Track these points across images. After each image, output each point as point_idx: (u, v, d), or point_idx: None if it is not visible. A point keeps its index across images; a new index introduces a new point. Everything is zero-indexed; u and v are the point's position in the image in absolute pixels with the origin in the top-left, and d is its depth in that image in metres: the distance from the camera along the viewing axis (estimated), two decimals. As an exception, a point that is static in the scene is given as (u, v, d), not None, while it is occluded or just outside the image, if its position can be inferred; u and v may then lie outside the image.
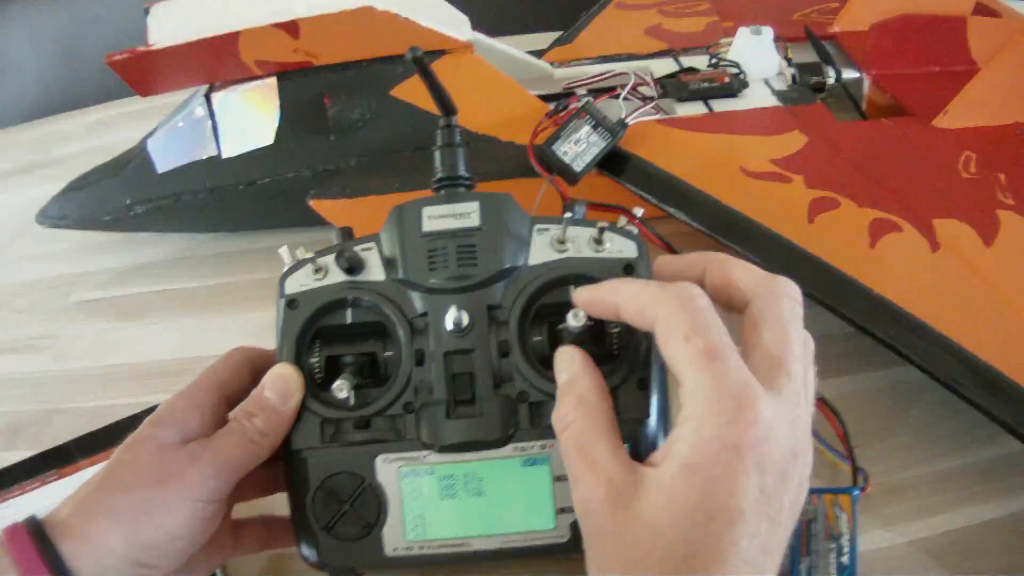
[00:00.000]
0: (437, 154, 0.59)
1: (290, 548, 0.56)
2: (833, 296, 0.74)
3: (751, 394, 0.42)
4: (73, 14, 2.02)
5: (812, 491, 0.66)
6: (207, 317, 0.94)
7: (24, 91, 2.01)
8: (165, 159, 0.93)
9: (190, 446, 0.51)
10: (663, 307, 0.45)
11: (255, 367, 0.56)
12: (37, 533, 0.47)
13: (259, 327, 0.89)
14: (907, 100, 1.00)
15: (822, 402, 0.70)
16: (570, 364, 0.49)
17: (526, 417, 0.52)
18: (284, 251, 0.56)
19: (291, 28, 0.84)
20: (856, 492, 0.67)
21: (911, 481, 0.73)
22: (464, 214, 0.53)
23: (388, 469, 0.52)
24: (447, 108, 0.59)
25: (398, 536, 0.53)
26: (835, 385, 0.77)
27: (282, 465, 0.54)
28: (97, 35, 2.01)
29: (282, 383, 0.52)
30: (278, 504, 0.58)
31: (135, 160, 0.94)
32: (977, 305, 0.76)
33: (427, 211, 0.54)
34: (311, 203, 0.90)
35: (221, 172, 0.91)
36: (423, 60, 0.55)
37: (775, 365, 0.45)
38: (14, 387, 0.90)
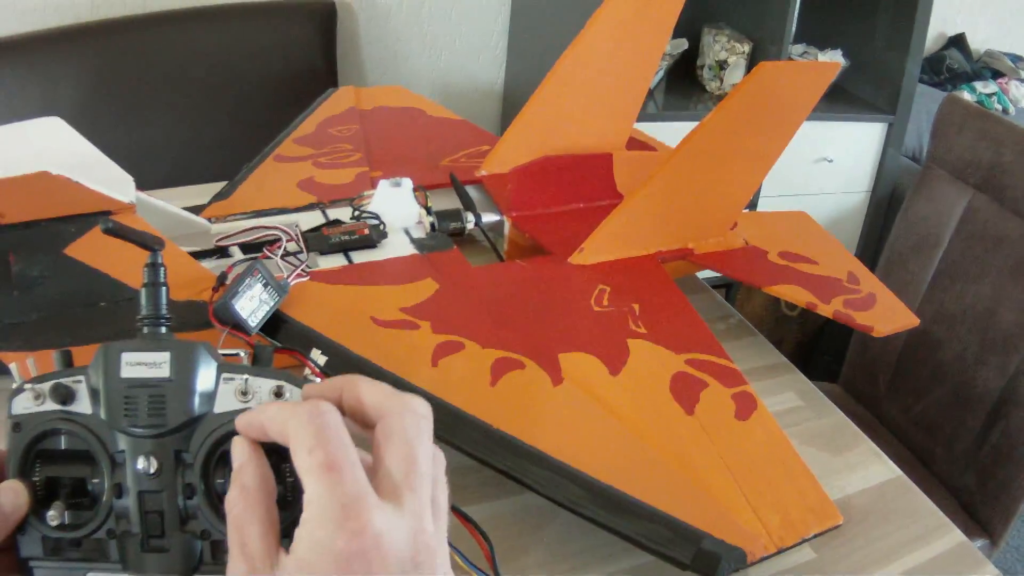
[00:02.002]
0: (142, 292, 0.61)
1: None
2: (453, 432, 0.77)
3: (361, 505, 0.45)
4: None
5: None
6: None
7: None
8: None
9: None
10: (294, 421, 0.49)
11: None
12: None
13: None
14: (545, 240, 1.05)
15: (472, 526, 0.72)
16: (240, 454, 0.52)
17: (208, 553, 0.55)
18: (14, 367, 0.58)
19: None
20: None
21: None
22: (157, 363, 0.56)
23: None
24: (151, 246, 0.61)
25: None
26: (473, 511, 0.79)
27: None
28: None
29: (12, 495, 0.54)
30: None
31: None
32: (597, 431, 0.80)
33: (125, 357, 0.56)
34: None
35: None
36: (114, 229, 0.59)
37: (399, 480, 0.48)
38: None
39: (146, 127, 2.12)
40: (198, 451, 0.55)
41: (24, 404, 0.56)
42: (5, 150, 0.98)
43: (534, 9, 2.46)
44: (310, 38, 2.22)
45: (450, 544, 0.72)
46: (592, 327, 0.92)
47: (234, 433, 0.56)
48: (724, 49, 2.36)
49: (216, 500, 0.56)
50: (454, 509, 0.70)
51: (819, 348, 2.61)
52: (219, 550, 0.55)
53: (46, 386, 0.56)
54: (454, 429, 0.78)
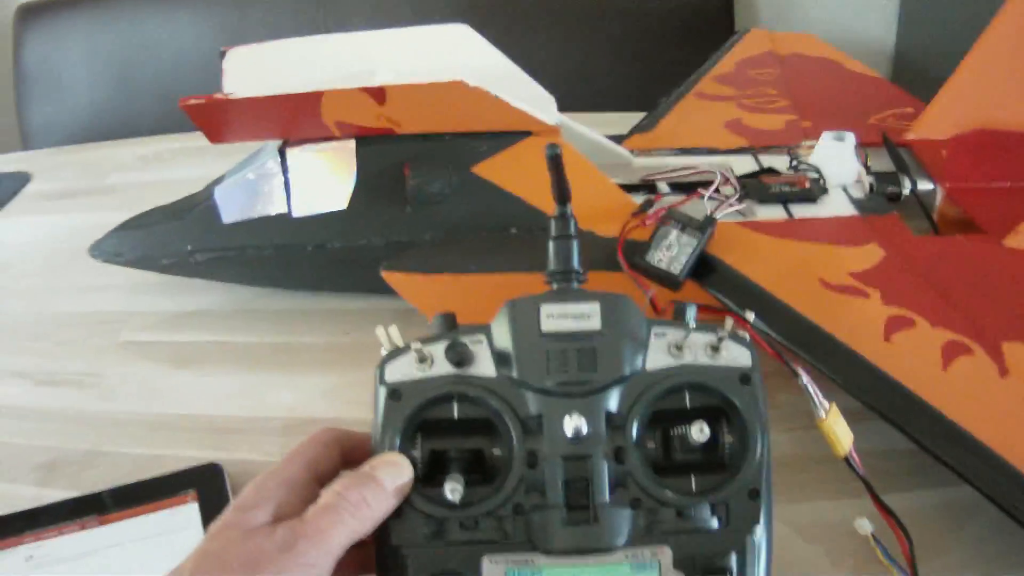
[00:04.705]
0: (551, 245, 0.58)
1: None
2: (904, 417, 0.73)
3: None
4: (130, 33, 2.01)
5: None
6: (264, 375, 0.91)
7: (77, 111, 2.01)
8: (232, 210, 0.91)
9: (281, 530, 0.46)
10: None
11: (344, 448, 0.54)
12: None
13: (319, 392, 0.86)
14: (980, 216, 0.98)
15: (892, 518, 0.68)
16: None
17: (639, 524, 0.50)
18: (381, 332, 0.53)
19: (377, 94, 0.83)
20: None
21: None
22: (584, 315, 0.52)
23: (495, 570, 0.50)
24: (564, 197, 0.58)
25: None
26: (893, 501, 0.75)
27: (372, 550, 0.52)
28: (153, 59, 2.01)
29: (394, 469, 0.50)
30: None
31: (200, 206, 0.93)
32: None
33: (545, 309, 0.52)
34: (383, 274, 0.87)
35: (289, 231, 0.90)
36: (557, 158, 0.56)
37: None
38: (53, 421, 0.87)
39: (525, 51, 2.06)
40: (629, 410, 0.51)
41: (404, 370, 0.52)
42: (406, 55, 0.96)
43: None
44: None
45: (874, 538, 0.69)
46: (1032, 317, 0.86)
47: (671, 390, 0.51)
48: None
49: (652, 465, 0.51)
50: (876, 500, 0.66)
51: None
52: (651, 520, 0.50)
53: (437, 347, 0.52)
54: (907, 414, 0.74)
